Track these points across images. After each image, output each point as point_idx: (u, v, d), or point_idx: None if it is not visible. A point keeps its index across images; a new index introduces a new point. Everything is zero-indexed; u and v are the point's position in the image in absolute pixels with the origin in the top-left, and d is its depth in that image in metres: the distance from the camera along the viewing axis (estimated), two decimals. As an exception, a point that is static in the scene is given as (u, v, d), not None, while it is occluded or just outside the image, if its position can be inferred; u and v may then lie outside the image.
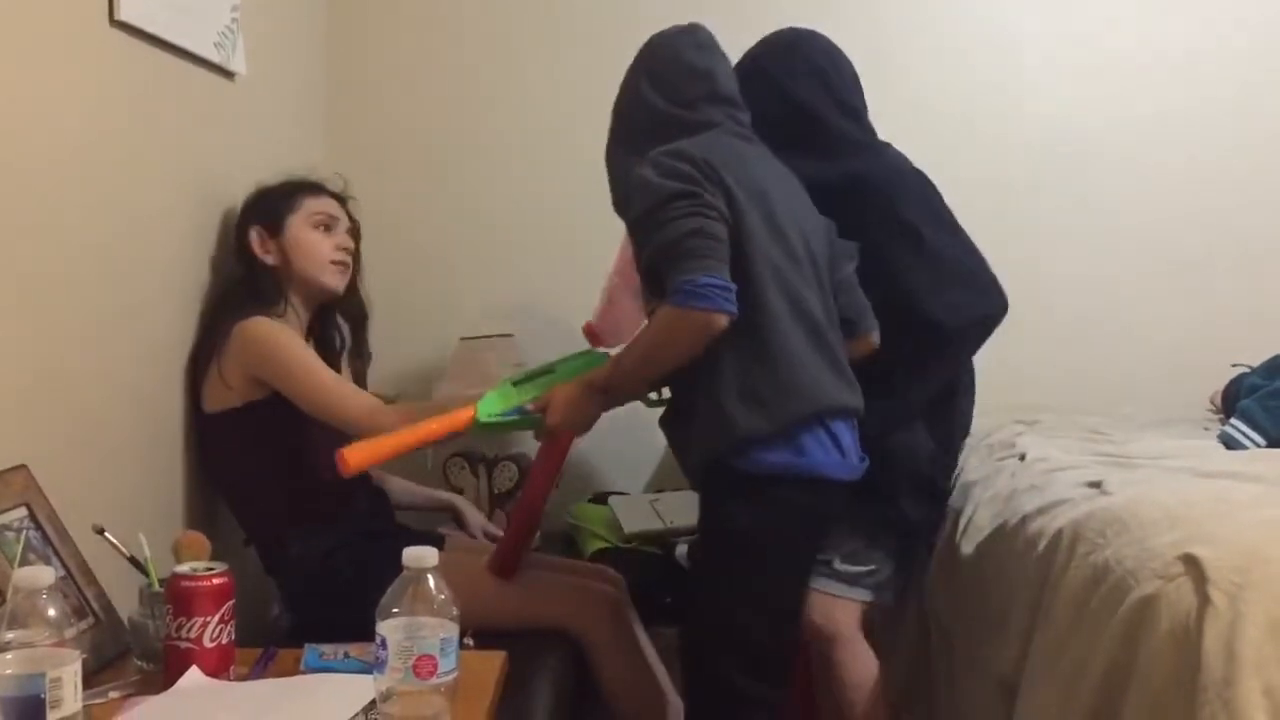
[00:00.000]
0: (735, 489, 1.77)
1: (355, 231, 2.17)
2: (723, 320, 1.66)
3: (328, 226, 2.10)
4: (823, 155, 2.03)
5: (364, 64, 2.87)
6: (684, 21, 1.94)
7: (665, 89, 1.87)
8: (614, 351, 1.93)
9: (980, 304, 2.03)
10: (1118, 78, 2.86)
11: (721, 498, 1.80)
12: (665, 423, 1.89)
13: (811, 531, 1.82)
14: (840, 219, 2.04)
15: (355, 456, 1.68)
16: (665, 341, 1.71)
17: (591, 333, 2.06)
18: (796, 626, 1.87)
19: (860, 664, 2.11)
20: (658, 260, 1.71)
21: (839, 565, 2.07)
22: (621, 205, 1.90)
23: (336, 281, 2.10)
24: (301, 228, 2.07)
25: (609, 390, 1.79)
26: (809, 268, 1.82)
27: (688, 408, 1.80)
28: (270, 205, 2.08)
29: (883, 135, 2.14)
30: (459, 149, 2.88)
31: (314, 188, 2.13)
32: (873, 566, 2.08)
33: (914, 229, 1.99)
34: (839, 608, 2.10)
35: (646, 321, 1.84)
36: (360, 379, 2.21)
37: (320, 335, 2.18)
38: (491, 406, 1.78)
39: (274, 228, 2.06)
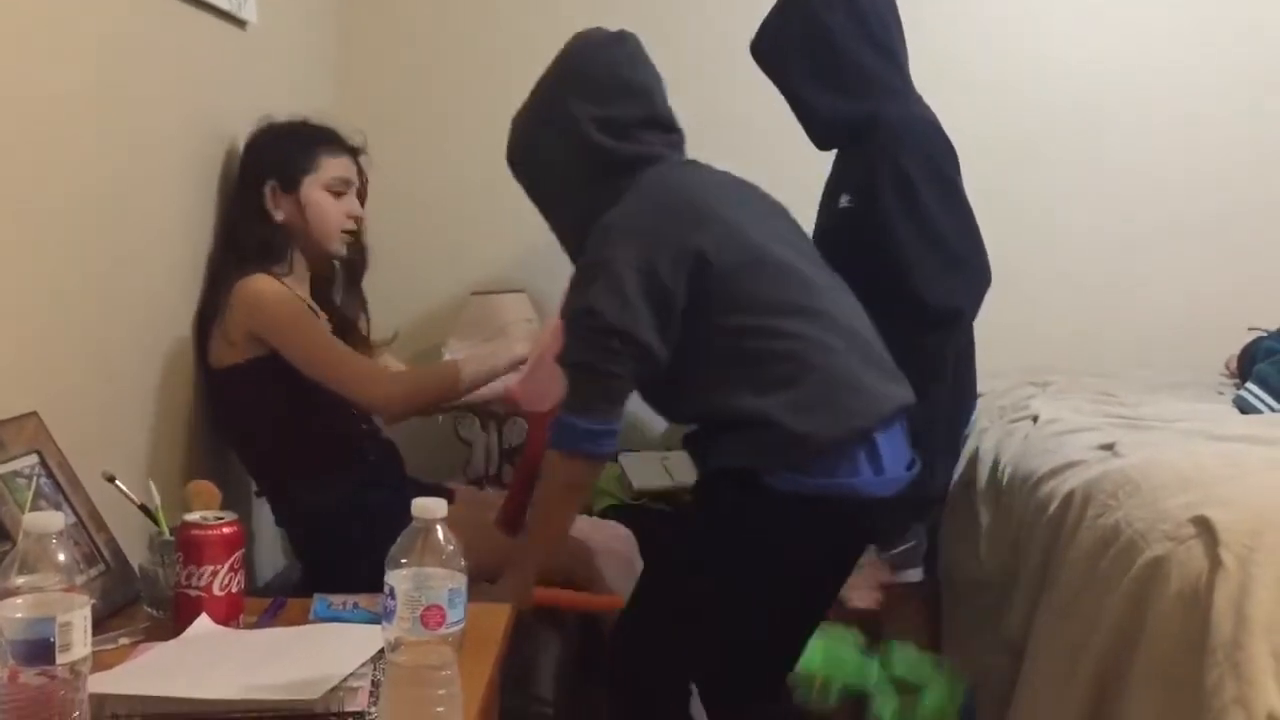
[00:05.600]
0: (756, 505, 1.65)
1: (364, 189, 2.13)
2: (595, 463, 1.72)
3: (341, 191, 2.05)
4: (842, 91, 2.00)
5: (375, 14, 2.84)
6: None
7: (599, 114, 1.74)
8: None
9: (966, 293, 2.02)
10: (1135, 33, 2.82)
11: (740, 511, 1.67)
12: (690, 441, 1.83)
13: (837, 558, 1.75)
14: (847, 161, 2.03)
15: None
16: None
17: (511, 397, 2.02)
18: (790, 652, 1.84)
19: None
20: (568, 359, 1.70)
21: (879, 554, 2.07)
22: (545, 208, 1.87)
23: (341, 249, 2.08)
24: (316, 190, 2.01)
25: (527, 558, 1.77)
26: (809, 273, 1.74)
27: (715, 433, 1.73)
28: (288, 161, 2.01)
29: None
30: (470, 100, 2.85)
31: (331, 144, 2.06)
32: (913, 542, 2.08)
33: (910, 183, 1.96)
34: (894, 594, 2.11)
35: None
36: (355, 325, 2.19)
37: (320, 296, 2.14)
38: None
39: (289, 185, 2.00)
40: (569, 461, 1.69)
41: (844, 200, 2.08)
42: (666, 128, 1.81)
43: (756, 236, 1.71)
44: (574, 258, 1.80)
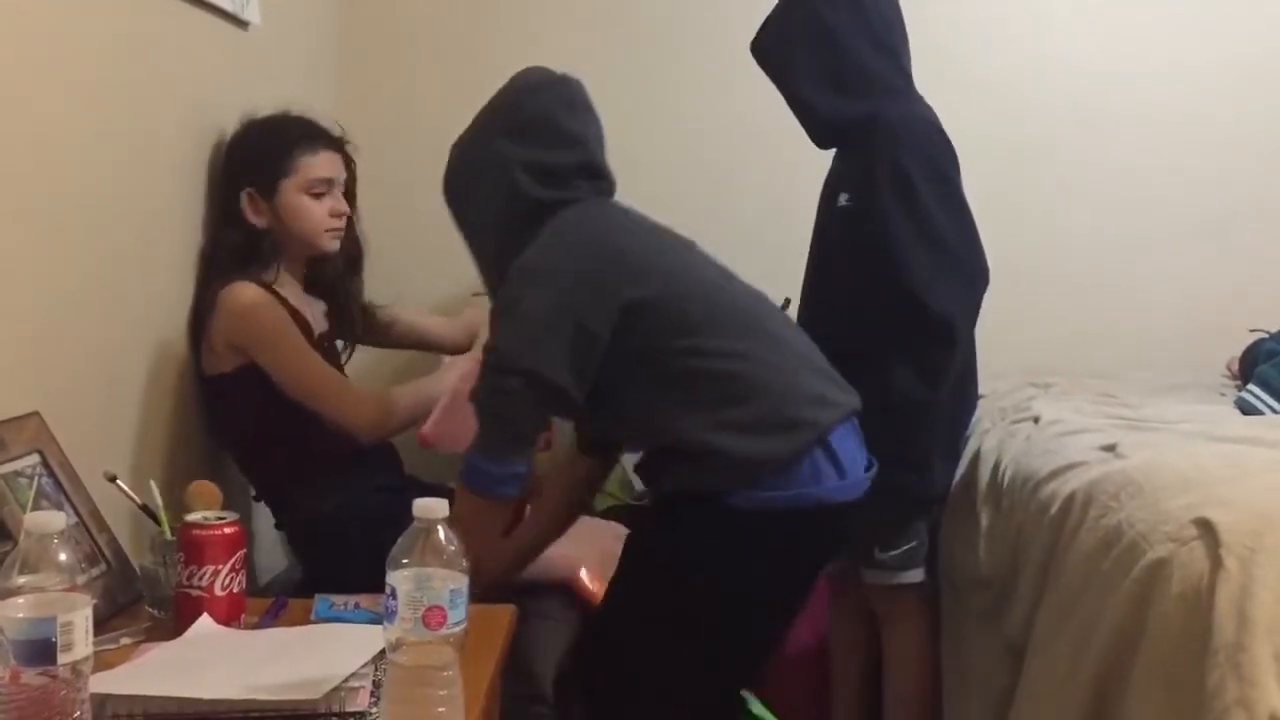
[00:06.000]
0: (720, 526, 1.61)
1: (351, 179, 2.08)
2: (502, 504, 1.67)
3: (322, 192, 2.00)
4: (842, 90, 2.00)
5: (377, 15, 2.84)
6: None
7: (529, 158, 1.71)
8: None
9: (967, 297, 2.02)
10: (1135, 33, 2.82)
11: (698, 535, 1.64)
12: (641, 468, 1.80)
13: (804, 568, 1.72)
14: (847, 160, 2.03)
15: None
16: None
17: (424, 439, 1.97)
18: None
19: (909, 644, 2.13)
20: (477, 399, 1.66)
21: (880, 555, 2.06)
22: (470, 241, 1.83)
23: (331, 245, 2.04)
24: (296, 194, 1.97)
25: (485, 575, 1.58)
26: (738, 296, 1.73)
27: (665, 459, 1.70)
28: (264, 166, 1.96)
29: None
30: (471, 101, 2.81)
31: (311, 141, 2.01)
32: (915, 542, 2.07)
33: (909, 183, 1.95)
34: (898, 595, 2.10)
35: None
36: (359, 310, 2.18)
37: (319, 286, 2.12)
38: None
39: (266, 191, 1.96)
40: (468, 499, 1.65)
41: (843, 199, 2.08)
42: (597, 175, 1.78)
43: (680, 267, 1.71)
44: (492, 294, 1.77)
